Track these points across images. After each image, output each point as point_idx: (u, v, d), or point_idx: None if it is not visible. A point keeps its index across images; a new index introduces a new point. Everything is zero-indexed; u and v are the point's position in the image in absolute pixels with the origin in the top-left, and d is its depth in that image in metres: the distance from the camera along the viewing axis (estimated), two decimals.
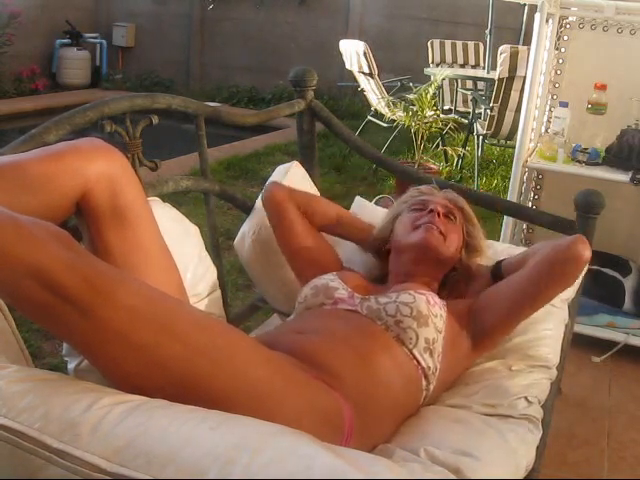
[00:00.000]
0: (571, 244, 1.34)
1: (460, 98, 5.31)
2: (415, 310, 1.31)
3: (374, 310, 1.34)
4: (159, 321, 0.89)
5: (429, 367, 1.30)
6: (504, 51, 4.31)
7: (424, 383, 1.30)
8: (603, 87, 2.49)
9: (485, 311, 1.41)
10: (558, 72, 2.72)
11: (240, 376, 0.94)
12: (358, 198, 1.98)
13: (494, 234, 2.75)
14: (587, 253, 1.34)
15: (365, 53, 4.81)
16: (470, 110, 4.86)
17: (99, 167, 1.12)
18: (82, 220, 1.17)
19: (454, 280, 1.58)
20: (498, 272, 1.52)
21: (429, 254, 1.49)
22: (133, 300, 0.87)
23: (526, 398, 1.39)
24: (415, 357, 1.28)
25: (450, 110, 5.07)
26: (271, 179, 1.83)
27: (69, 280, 0.83)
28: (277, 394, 0.97)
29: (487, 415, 1.34)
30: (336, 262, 1.63)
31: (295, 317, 1.47)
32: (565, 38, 2.68)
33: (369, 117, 5.22)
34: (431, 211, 1.52)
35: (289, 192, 1.65)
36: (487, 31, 5.03)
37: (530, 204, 2.86)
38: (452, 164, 4.89)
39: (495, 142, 5.19)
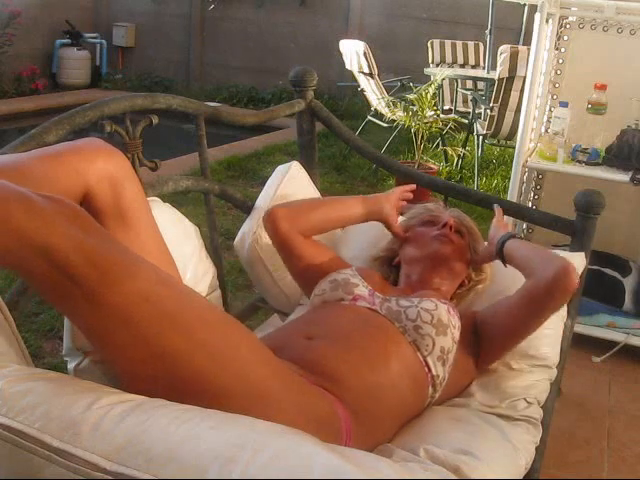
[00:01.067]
0: (556, 278, 1.30)
1: (460, 98, 5.32)
2: (436, 318, 1.30)
3: (394, 312, 1.34)
4: (162, 311, 0.89)
5: (439, 376, 1.30)
6: (504, 51, 4.31)
7: (430, 391, 1.30)
8: (603, 87, 2.49)
9: (488, 331, 1.42)
10: (558, 72, 2.73)
11: (237, 375, 0.93)
12: None
13: None
14: (573, 284, 1.30)
15: (365, 53, 4.82)
16: (470, 110, 4.87)
17: (100, 167, 1.12)
18: None
19: (461, 296, 1.60)
20: (501, 253, 1.49)
21: (443, 265, 1.51)
22: (141, 286, 0.87)
23: (525, 399, 1.39)
24: (427, 364, 1.28)
25: (450, 110, 5.07)
26: (271, 179, 1.83)
27: (77, 260, 0.83)
28: (272, 397, 0.97)
29: (486, 413, 1.34)
30: (345, 267, 1.59)
31: (310, 311, 1.46)
32: (565, 38, 2.68)
33: (369, 117, 5.22)
34: (445, 225, 1.56)
35: (291, 220, 1.56)
36: (487, 31, 5.03)
37: (530, 204, 2.86)
38: (452, 164, 4.89)
39: (495, 142, 5.19)
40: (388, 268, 1.65)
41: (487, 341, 1.42)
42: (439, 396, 1.33)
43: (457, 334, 1.34)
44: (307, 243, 1.58)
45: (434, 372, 1.29)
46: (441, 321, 1.30)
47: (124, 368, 0.89)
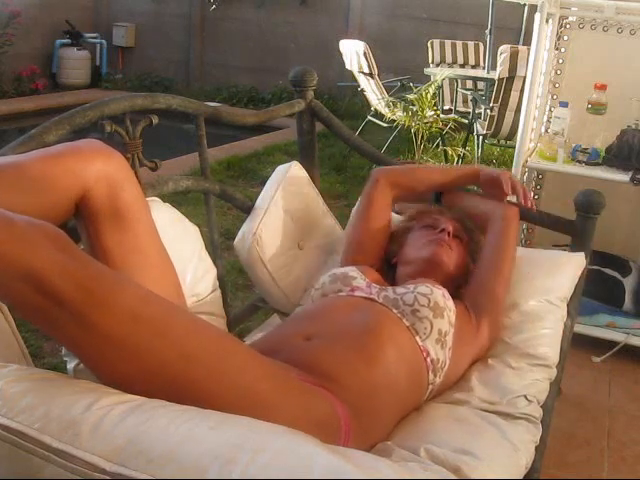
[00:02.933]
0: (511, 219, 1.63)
1: (460, 98, 5.31)
2: (432, 301, 1.34)
3: (391, 299, 1.37)
4: (154, 326, 0.89)
5: (438, 359, 1.32)
6: (504, 51, 4.31)
7: (431, 376, 1.32)
8: (603, 87, 2.49)
9: (474, 291, 1.52)
10: (558, 72, 2.72)
11: (232, 383, 0.93)
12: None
13: None
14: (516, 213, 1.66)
15: (365, 53, 4.82)
16: (470, 110, 4.87)
17: (98, 168, 1.12)
18: (81, 221, 1.16)
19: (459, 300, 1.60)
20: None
21: (438, 269, 1.52)
22: (128, 306, 0.87)
23: (525, 397, 1.40)
24: (426, 348, 1.31)
25: (450, 110, 5.07)
26: (271, 179, 1.83)
27: (62, 285, 0.82)
28: (270, 401, 0.97)
29: (487, 412, 1.34)
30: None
31: (309, 306, 1.49)
32: (565, 38, 2.68)
33: (369, 117, 5.22)
34: (442, 230, 1.57)
35: (393, 179, 1.74)
36: (487, 31, 5.03)
37: None
38: (452, 164, 4.89)
39: (495, 142, 5.19)
40: (386, 267, 1.66)
41: (480, 292, 1.53)
42: (442, 382, 1.35)
43: (453, 317, 1.38)
44: (388, 209, 1.73)
45: (433, 356, 1.31)
46: (437, 304, 1.35)
47: (119, 383, 0.89)
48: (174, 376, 0.89)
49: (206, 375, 0.91)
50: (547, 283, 1.63)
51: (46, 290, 0.82)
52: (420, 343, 1.31)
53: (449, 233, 1.56)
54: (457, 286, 1.58)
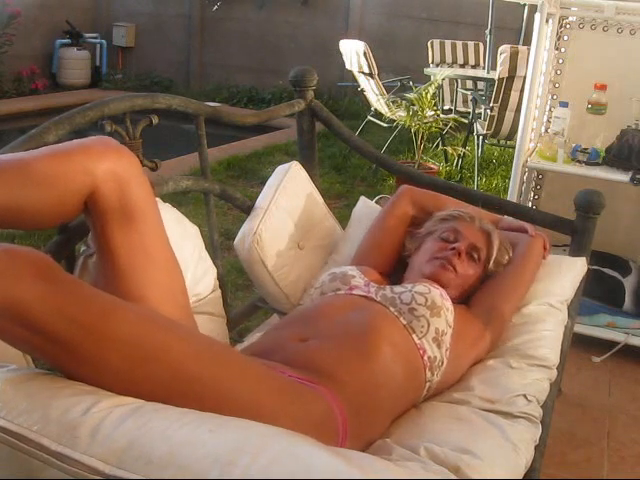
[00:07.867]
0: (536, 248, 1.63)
1: (460, 98, 5.31)
2: (430, 300, 1.35)
3: (388, 298, 1.38)
4: (146, 350, 0.87)
5: (435, 357, 1.32)
6: (504, 51, 4.31)
7: (428, 374, 1.32)
8: (603, 87, 2.49)
9: (484, 305, 1.51)
10: (558, 72, 2.72)
11: (231, 402, 0.92)
12: (363, 198, 2.00)
13: None
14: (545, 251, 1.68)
15: (365, 53, 4.81)
16: (470, 110, 4.86)
17: (108, 166, 1.11)
18: (89, 218, 1.16)
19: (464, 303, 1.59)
20: None
21: (441, 287, 1.49)
22: (118, 332, 0.85)
23: (525, 396, 1.39)
24: (423, 346, 1.31)
25: (450, 110, 5.07)
26: (271, 179, 1.83)
27: (44, 315, 0.80)
28: (266, 416, 0.93)
29: (487, 411, 1.34)
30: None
31: (307, 305, 1.50)
32: (565, 38, 2.68)
33: (369, 117, 5.22)
34: (453, 249, 1.52)
35: (418, 200, 1.74)
36: (487, 31, 5.03)
37: (530, 204, 2.86)
38: (452, 164, 4.89)
39: (495, 142, 5.19)
40: (400, 261, 1.66)
41: (492, 295, 1.53)
42: (440, 381, 1.35)
43: (450, 317, 1.38)
44: (406, 223, 1.72)
45: (430, 354, 1.31)
46: (435, 303, 1.35)
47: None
48: (169, 398, 0.87)
49: (203, 396, 0.90)
50: (548, 286, 1.63)
51: (27, 322, 0.80)
52: (417, 341, 1.31)
53: (460, 254, 1.52)
54: (461, 300, 1.56)
